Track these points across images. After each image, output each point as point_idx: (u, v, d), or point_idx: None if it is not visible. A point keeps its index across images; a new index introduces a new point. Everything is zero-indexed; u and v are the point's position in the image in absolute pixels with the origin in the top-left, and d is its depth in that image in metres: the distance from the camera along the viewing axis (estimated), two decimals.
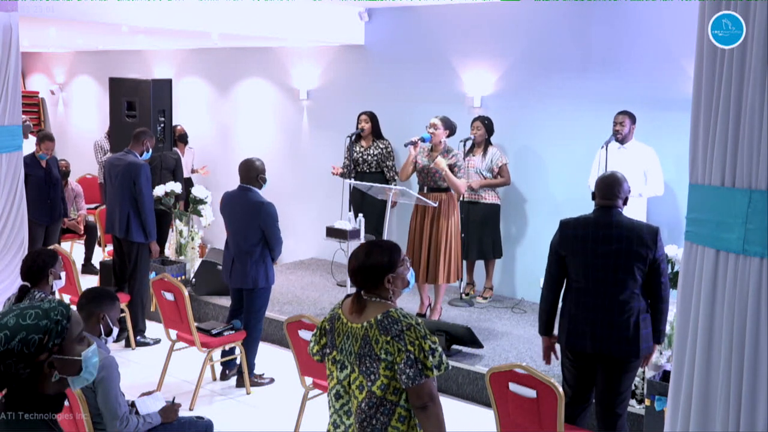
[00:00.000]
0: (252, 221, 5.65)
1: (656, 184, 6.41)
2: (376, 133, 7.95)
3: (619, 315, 4.11)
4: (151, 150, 6.82)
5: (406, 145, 6.51)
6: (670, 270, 5.02)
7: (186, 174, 9.51)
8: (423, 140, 6.38)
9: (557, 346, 4.47)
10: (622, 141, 6.44)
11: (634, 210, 6.27)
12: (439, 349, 2.90)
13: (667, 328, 4.88)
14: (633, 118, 6.44)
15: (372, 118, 7.91)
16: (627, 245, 4.06)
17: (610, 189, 4.19)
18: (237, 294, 5.93)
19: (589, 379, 4.30)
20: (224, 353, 6.00)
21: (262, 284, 5.75)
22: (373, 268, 2.97)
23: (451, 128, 6.44)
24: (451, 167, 6.28)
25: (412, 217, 6.57)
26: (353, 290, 3.03)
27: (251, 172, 5.72)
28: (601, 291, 4.14)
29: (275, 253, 5.77)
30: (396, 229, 8.37)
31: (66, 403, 2.16)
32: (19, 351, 1.92)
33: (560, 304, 4.38)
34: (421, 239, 6.44)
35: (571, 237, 4.21)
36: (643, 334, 4.13)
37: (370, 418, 2.92)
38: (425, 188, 6.47)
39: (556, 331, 4.43)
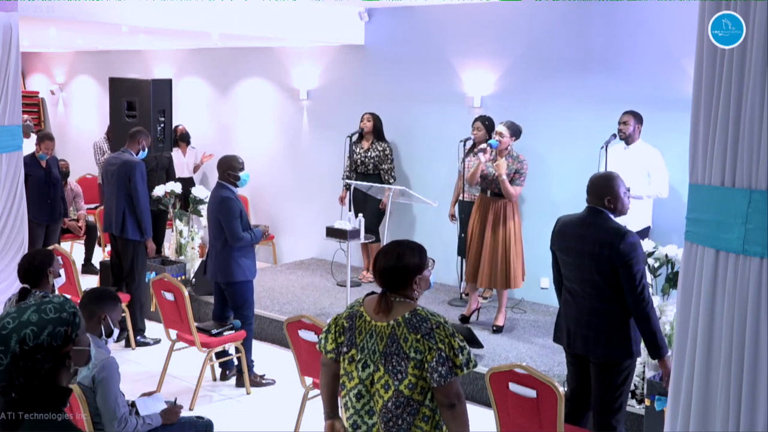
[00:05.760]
0: (215, 215, 5.83)
1: (660, 186, 6.34)
2: (378, 135, 7.96)
3: (592, 316, 4.08)
4: (147, 149, 6.85)
5: (475, 153, 6.52)
6: (670, 270, 5.01)
7: (188, 174, 9.53)
8: (491, 147, 6.38)
9: None
10: (626, 141, 6.39)
11: (638, 211, 6.24)
12: (467, 346, 2.90)
13: (667, 328, 4.88)
14: (639, 118, 6.37)
15: (375, 118, 7.93)
16: (598, 248, 3.99)
17: (595, 189, 4.15)
18: (216, 287, 6.06)
19: (585, 379, 4.26)
20: (219, 354, 5.99)
21: (223, 279, 5.83)
22: (404, 269, 2.97)
23: (516, 133, 6.44)
24: (513, 172, 6.30)
25: (471, 218, 6.57)
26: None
27: (220, 168, 5.89)
28: (580, 291, 4.13)
29: (234, 245, 5.75)
30: (396, 230, 8.37)
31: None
32: (48, 344, 1.98)
33: None
34: (480, 243, 6.45)
35: (560, 233, 4.23)
36: (616, 339, 4.04)
37: (397, 417, 2.90)
38: (488, 192, 6.46)
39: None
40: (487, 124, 7.23)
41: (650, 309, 3.96)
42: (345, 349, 3.02)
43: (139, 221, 6.64)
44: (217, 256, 5.83)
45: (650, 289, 5.04)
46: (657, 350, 3.99)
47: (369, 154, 7.89)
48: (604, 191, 4.11)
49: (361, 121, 7.93)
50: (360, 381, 2.97)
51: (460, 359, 2.86)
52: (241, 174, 5.84)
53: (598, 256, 3.99)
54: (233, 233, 5.73)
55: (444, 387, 2.85)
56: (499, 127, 6.42)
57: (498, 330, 6.58)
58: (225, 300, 6.01)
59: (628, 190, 6.14)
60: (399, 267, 2.97)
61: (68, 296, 2.16)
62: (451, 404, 2.88)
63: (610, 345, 4.05)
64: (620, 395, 4.15)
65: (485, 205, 6.45)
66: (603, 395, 4.16)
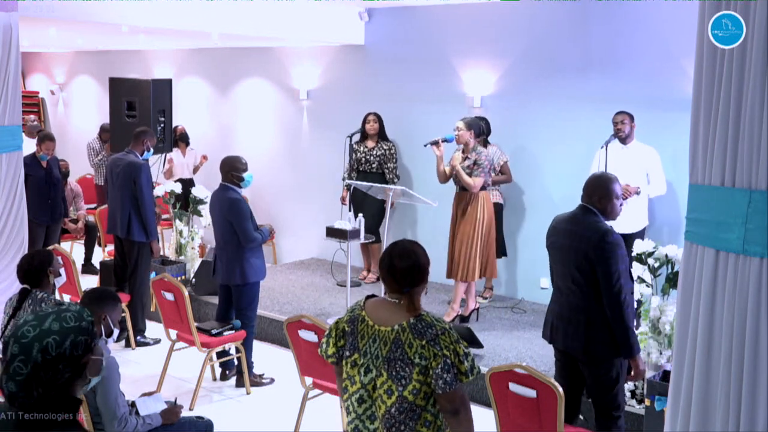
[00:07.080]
0: (224, 218, 5.78)
1: (659, 184, 6.39)
2: (382, 134, 7.98)
3: (572, 312, 4.13)
4: (152, 149, 6.85)
5: (425, 145, 6.64)
6: (670, 270, 5.02)
7: (188, 174, 9.52)
8: (446, 140, 6.54)
9: None
10: (624, 140, 6.41)
11: (635, 209, 6.27)
12: (471, 353, 2.89)
13: (667, 328, 4.88)
14: (632, 118, 6.43)
15: (379, 118, 7.96)
16: (584, 245, 4.03)
17: (588, 188, 4.19)
18: (223, 289, 6.03)
19: (570, 374, 4.27)
20: (219, 354, 5.99)
21: (237, 281, 5.80)
22: (423, 267, 2.98)
23: (474, 128, 6.53)
24: (473, 164, 6.42)
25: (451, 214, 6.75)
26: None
27: (223, 169, 5.86)
28: (563, 286, 4.19)
29: (247, 246, 5.75)
30: (396, 230, 8.37)
31: None
32: (70, 354, 1.94)
33: None
34: (452, 236, 6.63)
35: (552, 230, 4.29)
36: (594, 337, 4.06)
37: (400, 423, 2.88)
38: (458, 187, 6.63)
39: None
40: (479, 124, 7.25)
41: (625, 309, 4.00)
42: (347, 353, 2.99)
43: (144, 223, 6.65)
44: (230, 258, 5.79)
45: (648, 290, 5.06)
46: (629, 349, 4.04)
47: (374, 152, 7.91)
48: (596, 191, 4.15)
49: (367, 122, 7.95)
50: (362, 385, 2.95)
51: (465, 366, 2.84)
52: (244, 175, 5.83)
53: (579, 252, 4.04)
54: (247, 235, 5.72)
55: (449, 394, 2.83)
56: (458, 122, 6.57)
57: (464, 320, 6.65)
58: (230, 301, 5.99)
59: (638, 193, 6.21)
60: (420, 265, 2.96)
61: (78, 305, 2.11)
62: (456, 411, 2.85)
63: (588, 342, 4.08)
64: (613, 392, 4.18)
65: (457, 198, 6.63)
66: (597, 393, 4.21)
